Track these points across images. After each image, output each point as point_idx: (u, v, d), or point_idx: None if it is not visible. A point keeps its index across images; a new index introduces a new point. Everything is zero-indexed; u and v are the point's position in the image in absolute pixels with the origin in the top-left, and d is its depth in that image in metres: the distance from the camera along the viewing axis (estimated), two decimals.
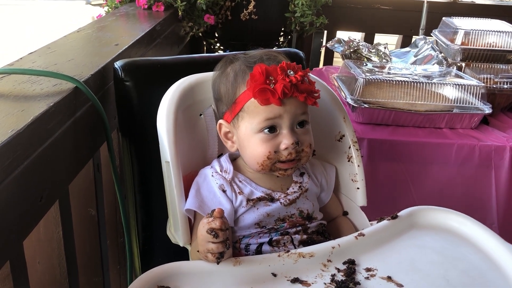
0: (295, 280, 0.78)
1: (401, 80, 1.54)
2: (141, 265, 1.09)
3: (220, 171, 0.92)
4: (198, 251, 0.79)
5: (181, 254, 0.90)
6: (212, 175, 0.91)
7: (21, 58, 1.01)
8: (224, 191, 0.89)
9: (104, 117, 0.95)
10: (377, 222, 0.93)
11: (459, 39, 1.79)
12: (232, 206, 0.88)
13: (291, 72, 0.84)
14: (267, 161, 0.86)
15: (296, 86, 0.83)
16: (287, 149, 0.85)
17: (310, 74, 0.94)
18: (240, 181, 0.91)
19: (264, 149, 0.86)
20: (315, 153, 0.94)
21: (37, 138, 0.74)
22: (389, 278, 0.78)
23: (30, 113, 0.74)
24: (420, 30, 2.18)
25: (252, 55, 0.91)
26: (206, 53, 2.38)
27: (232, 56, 0.93)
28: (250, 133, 0.87)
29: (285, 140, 0.85)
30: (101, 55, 1.10)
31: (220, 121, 0.93)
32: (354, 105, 1.48)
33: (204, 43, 2.27)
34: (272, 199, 0.90)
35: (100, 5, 2.12)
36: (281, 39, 2.27)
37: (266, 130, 0.86)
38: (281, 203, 0.91)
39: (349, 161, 1.03)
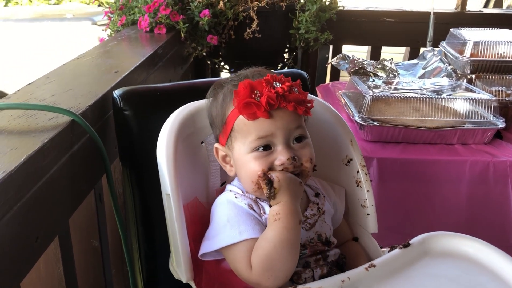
0: None
1: (409, 96, 1.50)
2: None
3: (242, 192, 0.87)
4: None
5: None
6: (236, 197, 0.86)
7: (18, 91, 1.00)
8: (254, 210, 0.84)
9: (102, 150, 0.92)
10: (388, 251, 0.89)
11: (468, 50, 1.75)
12: (263, 225, 0.83)
13: (278, 84, 0.80)
14: (257, 182, 0.82)
15: (284, 96, 0.79)
16: (282, 165, 0.81)
17: (317, 98, 0.91)
18: (261, 200, 0.86)
19: (258, 166, 0.81)
20: (316, 168, 0.89)
21: (31, 177, 0.72)
22: None
23: (24, 151, 0.72)
24: (428, 42, 2.14)
25: (239, 74, 0.89)
26: (211, 72, 2.36)
27: (221, 80, 0.91)
28: (243, 153, 0.83)
29: (280, 156, 0.81)
30: (100, 83, 1.08)
31: (216, 145, 0.90)
32: (362, 123, 1.44)
33: (209, 62, 2.25)
34: None
35: (105, 25, 2.12)
36: (286, 55, 2.24)
37: (260, 149, 0.82)
38: (303, 228, 0.85)
39: (358, 186, 0.99)
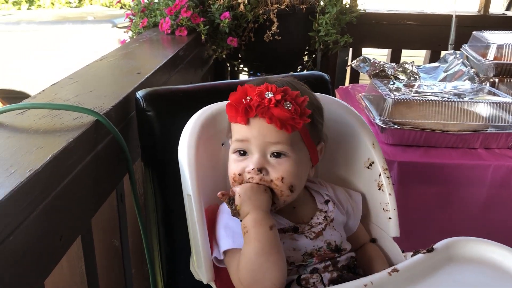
0: None
1: (431, 100, 1.48)
2: None
3: None
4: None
5: None
6: None
7: (43, 91, 1.01)
8: None
9: (125, 150, 0.93)
10: (411, 256, 0.87)
11: (491, 53, 1.72)
12: None
13: (270, 95, 0.80)
14: (234, 183, 0.84)
15: (267, 107, 0.79)
16: (249, 173, 0.82)
17: (340, 101, 0.89)
18: None
19: (231, 169, 0.84)
20: (293, 189, 0.83)
21: (56, 176, 0.72)
22: None
23: (49, 150, 0.72)
24: (449, 45, 2.11)
25: (263, 78, 0.89)
26: (230, 74, 2.37)
27: (250, 82, 0.91)
28: (230, 152, 0.86)
29: (250, 164, 0.82)
30: (123, 84, 1.09)
31: (230, 141, 0.91)
32: (383, 126, 1.43)
33: (228, 65, 2.25)
34: (296, 230, 0.86)
35: (126, 27, 2.14)
36: (305, 58, 2.24)
37: (237, 152, 0.84)
38: (306, 236, 0.86)
39: (379, 189, 0.98)
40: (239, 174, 0.83)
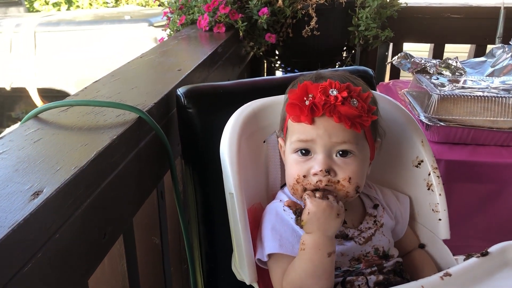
0: None
1: (479, 96, 1.42)
2: None
3: None
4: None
5: None
6: (284, 210, 0.84)
7: (85, 88, 1.01)
8: None
9: (168, 147, 0.92)
10: (464, 259, 0.83)
11: None
12: None
13: (334, 92, 0.76)
14: (296, 185, 0.80)
15: (334, 106, 0.75)
16: (316, 175, 0.77)
17: (388, 97, 0.86)
18: None
19: (294, 171, 0.80)
20: (359, 190, 0.81)
21: (100, 173, 0.72)
22: None
23: (93, 148, 0.72)
24: (497, 39, 2.02)
25: (317, 72, 0.85)
26: (267, 71, 2.35)
27: (302, 77, 0.88)
28: (288, 153, 0.83)
29: (315, 166, 0.78)
30: (164, 81, 1.08)
31: (279, 139, 0.89)
32: (429, 123, 1.37)
33: (265, 61, 2.23)
34: (345, 237, 0.83)
35: (162, 26, 2.15)
36: (344, 54, 2.19)
37: (299, 152, 0.80)
38: (355, 242, 0.83)
39: (428, 189, 0.94)
40: (304, 176, 0.79)
